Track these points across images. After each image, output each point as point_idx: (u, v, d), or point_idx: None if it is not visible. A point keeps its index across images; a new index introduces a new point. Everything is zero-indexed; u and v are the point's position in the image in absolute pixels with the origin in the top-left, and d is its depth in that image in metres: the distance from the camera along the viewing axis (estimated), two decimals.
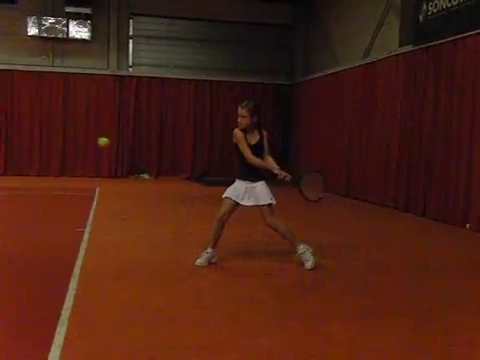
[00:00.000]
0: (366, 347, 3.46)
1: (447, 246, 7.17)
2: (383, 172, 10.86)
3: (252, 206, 5.41)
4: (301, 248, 5.38)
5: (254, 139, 5.34)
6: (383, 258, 6.19)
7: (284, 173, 5.30)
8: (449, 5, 8.92)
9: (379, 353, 3.38)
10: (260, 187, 5.37)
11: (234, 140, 5.36)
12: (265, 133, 5.42)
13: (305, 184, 5.42)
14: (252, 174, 5.37)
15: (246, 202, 5.38)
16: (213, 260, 5.47)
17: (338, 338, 3.58)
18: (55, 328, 3.53)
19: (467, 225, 8.29)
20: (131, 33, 15.69)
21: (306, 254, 5.36)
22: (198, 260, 5.42)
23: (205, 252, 5.45)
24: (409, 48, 10.11)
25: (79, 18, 14.84)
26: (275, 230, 5.49)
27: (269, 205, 5.38)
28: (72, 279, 4.69)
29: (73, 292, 4.32)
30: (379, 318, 4.03)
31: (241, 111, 5.25)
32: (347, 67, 12.72)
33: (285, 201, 11.92)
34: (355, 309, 4.25)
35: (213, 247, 5.46)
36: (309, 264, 5.32)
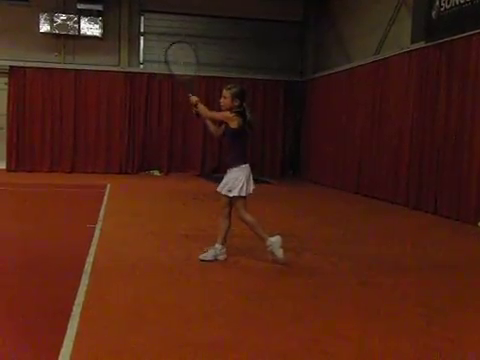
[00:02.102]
0: (379, 346, 3.43)
1: (459, 244, 7.12)
2: (394, 169, 10.80)
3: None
4: (270, 242, 5.33)
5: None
6: (394, 256, 6.15)
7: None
8: (462, 1, 8.83)
9: (392, 352, 3.35)
10: (229, 175, 5.40)
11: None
12: (232, 115, 5.34)
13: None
14: (227, 161, 5.49)
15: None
16: (220, 257, 5.45)
17: (350, 336, 3.55)
18: (67, 323, 3.55)
19: (479, 223, 8.22)
20: (142, 30, 15.71)
21: (274, 249, 5.32)
22: (202, 254, 5.43)
23: (213, 247, 5.46)
24: (421, 44, 10.03)
25: (90, 15, 14.89)
26: (246, 223, 5.45)
27: (242, 197, 5.35)
28: (83, 275, 4.71)
29: (84, 288, 4.34)
30: (391, 316, 4.01)
31: (224, 93, 5.38)
32: (359, 64, 12.65)
33: (298, 199, 11.97)
34: (366, 307, 4.23)
35: (221, 243, 5.47)
36: (276, 258, 5.31)
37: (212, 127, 5.58)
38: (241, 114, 5.34)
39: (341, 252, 6.13)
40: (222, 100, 5.39)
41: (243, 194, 5.35)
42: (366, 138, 12.04)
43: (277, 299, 4.33)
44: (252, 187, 5.46)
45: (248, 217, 5.40)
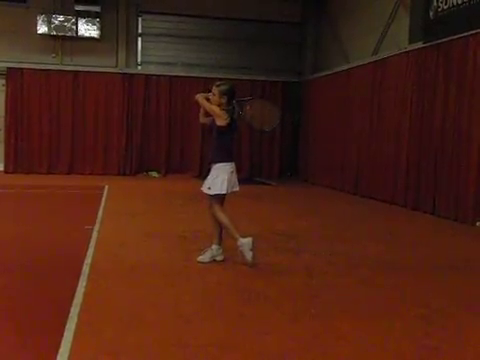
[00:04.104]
0: (378, 346, 3.43)
1: (457, 244, 7.11)
2: (392, 170, 10.80)
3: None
4: (240, 243, 5.26)
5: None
6: (393, 256, 6.15)
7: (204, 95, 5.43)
8: (460, 1, 8.84)
9: (391, 353, 3.34)
10: (211, 172, 5.40)
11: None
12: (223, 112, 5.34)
13: (253, 113, 5.57)
14: (212, 157, 5.51)
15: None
16: (218, 258, 5.44)
17: (349, 337, 3.55)
18: (64, 325, 3.54)
19: (477, 223, 8.22)
20: (140, 31, 15.68)
21: (244, 250, 5.25)
22: (200, 256, 5.42)
23: (210, 249, 5.46)
24: (419, 45, 10.03)
25: (88, 16, 14.86)
26: (219, 222, 5.40)
27: (221, 195, 5.34)
28: (81, 276, 4.69)
29: (82, 289, 4.32)
30: (390, 316, 4.00)
31: (213, 89, 5.38)
32: (357, 64, 12.65)
33: (297, 200, 11.96)
34: (366, 307, 4.22)
35: (217, 244, 5.46)
36: (246, 259, 5.24)
37: (202, 113, 5.56)
38: (229, 113, 5.33)
39: (340, 252, 6.12)
40: (211, 96, 5.40)
41: (223, 192, 5.33)
42: (364, 139, 12.04)
43: (276, 299, 4.32)
44: (236, 187, 5.45)
45: (222, 216, 5.35)
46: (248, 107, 5.52)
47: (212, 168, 5.43)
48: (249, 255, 5.23)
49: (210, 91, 5.43)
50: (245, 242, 5.24)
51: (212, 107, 5.35)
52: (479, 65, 8.43)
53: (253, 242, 5.26)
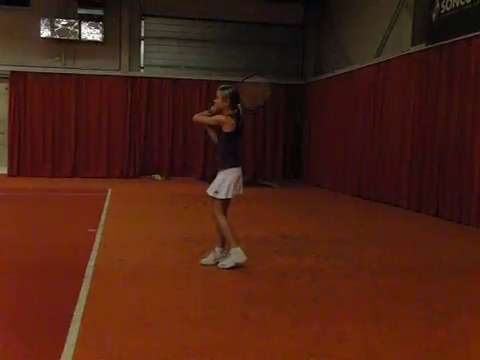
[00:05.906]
0: (381, 349, 3.42)
1: (460, 246, 7.09)
2: (395, 172, 10.79)
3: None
4: (233, 250, 5.26)
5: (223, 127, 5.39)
6: (396, 259, 6.14)
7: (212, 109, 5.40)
8: (462, 3, 8.83)
9: (395, 355, 3.34)
10: (218, 177, 5.40)
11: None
12: (227, 118, 5.33)
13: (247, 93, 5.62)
14: (218, 163, 5.52)
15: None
16: (221, 260, 5.45)
17: (353, 340, 3.54)
18: (68, 327, 3.54)
19: None
20: (143, 34, 15.72)
21: (231, 258, 5.27)
22: (204, 259, 5.43)
23: (213, 251, 5.46)
24: (422, 47, 10.03)
25: (91, 20, 14.89)
26: (218, 224, 5.41)
27: (226, 199, 5.35)
28: (85, 279, 4.70)
29: (86, 292, 4.33)
30: (393, 319, 3.99)
31: (217, 93, 5.40)
32: (359, 66, 12.64)
33: (300, 202, 11.96)
34: (369, 310, 4.21)
35: (220, 246, 5.46)
36: (223, 263, 5.28)
37: (212, 134, 5.54)
38: (235, 117, 5.34)
39: (343, 255, 6.11)
40: (215, 100, 5.42)
41: (229, 196, 5.34)
42: (367, 141, 12.03)
43: (279, 302, 4.31)
44: (241, 191, 5.45)
45: (222, 220, 5.35)
46: (243, 97, 5.53)
47: (219, 173, 5.42)
48: (229, 264, 5.25)
49: (211, 108, 5.39)
50: (240, 254, 5.25)
51: (216, 118, 5.34)
52: None
53: (242, 262, 5.25)
